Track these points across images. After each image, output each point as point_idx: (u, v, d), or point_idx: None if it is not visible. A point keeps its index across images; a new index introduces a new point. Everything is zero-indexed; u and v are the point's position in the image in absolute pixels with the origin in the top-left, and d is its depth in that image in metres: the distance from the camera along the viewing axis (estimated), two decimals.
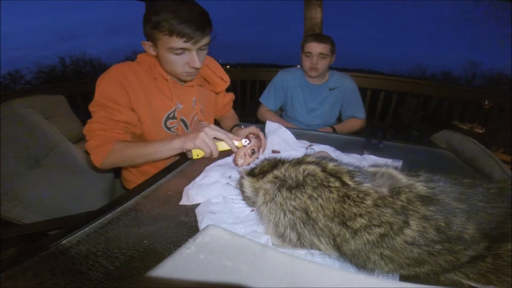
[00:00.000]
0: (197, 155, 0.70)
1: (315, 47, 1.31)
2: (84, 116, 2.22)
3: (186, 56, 0.77)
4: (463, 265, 0.37)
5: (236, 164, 0.70)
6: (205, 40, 0.77)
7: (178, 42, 0.72)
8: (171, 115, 0.89)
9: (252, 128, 0.79)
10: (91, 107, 0.79)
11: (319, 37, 1.34)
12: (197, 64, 0.78)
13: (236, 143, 0.71)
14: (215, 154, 0.70)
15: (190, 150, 0.69)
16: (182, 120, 0.92)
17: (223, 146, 0.71)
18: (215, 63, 1.01)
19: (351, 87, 1.44)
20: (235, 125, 1.01)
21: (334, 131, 1.37)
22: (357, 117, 1.45)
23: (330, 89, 1.43)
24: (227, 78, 1.03)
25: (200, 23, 0.72)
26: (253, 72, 2.89)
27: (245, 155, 0.70)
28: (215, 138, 0.70)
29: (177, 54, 0.76)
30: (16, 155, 0.82)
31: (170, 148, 0.72)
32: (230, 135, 0.71)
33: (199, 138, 0.67)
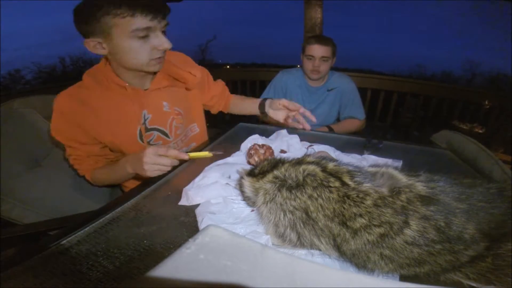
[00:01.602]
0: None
1: (318, 50, 1.30)
2: None
3: (151, 39, 0.67)
4: (463, 265, 0.37)
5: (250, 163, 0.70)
6: (165, 21, 0.69)
7: (143, 21, 0.63)
8: (143, 128, 0.80)
9: (284, 101, 0.84)
10: (58, 140, 0.78)
11: (322, 40, 1.32)
12: (167, 44, 0.69)
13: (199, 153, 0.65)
14: (175, 163, 0.64)
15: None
16: (158, 129, 0.83)
17: (197, 154, 0.65)
18: (180, 58, 0.91)
19: (349, 88, 1.43)
20: (264, 99, 1.00)
21: (331, 130, 1.36)
22: (355, 118, 1.44)
23: (328, 90, 1.43)
24: (195, 71, 0.88)
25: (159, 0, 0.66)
26: (253, 72, 2.89)
27: (259, 156, 0.68)
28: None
29: (141, 38, 0.65)
30: (16, 155, 0.82)
31: (129, 174, 0.72)
32: (171, 150, 0.63)
33: (147, 171, 0.63)
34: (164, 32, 0.70)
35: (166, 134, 0.85)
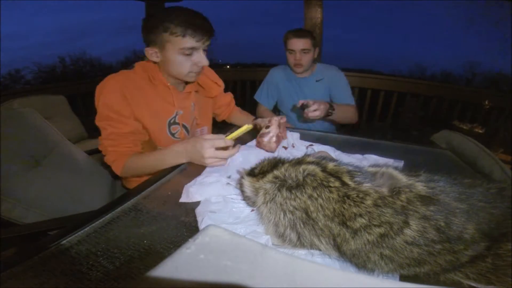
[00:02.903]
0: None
1: (297, 43, 1.33)
2: (84, 116, 2.22)
3: (194, 56, 0.82)
4: (463, 265, 0.37)
5: (261, 147, 0.79)
6: (208, 42, 0.83)
7: (190, 42, 0.78)
8: (172, 121, 0.92)
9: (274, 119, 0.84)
10: (98, 122, 0.82)
11: (299, 33, 1.35)
12: (205, 62, 0.84)
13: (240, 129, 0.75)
14: (233, 154, 0.71)
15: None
16: (183, 126, 0.95)
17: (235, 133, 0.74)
18: (208, 69, 1.03)
19: (337, 77, 1.45)
20: (255, 119, 1.07)
21: (331, 107, 1.24)
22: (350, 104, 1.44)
23: (316, 81, 1.45)
24: (221, 82, 1.08)
25: (207, 25, 0.80)
26: (253, 72, 2.89)
27: (269, 141, 0.78)
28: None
29: (186, 55, 0.80)
30: (16, 155, 0.82)
31: (178, 163, 0.75)
32: (228, 140, 0.72)
33: (206, 163, 0.70)
34: (205, 51, 0.84)
35: (187, 131, 0.98)
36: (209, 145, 0.69)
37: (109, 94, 0.80)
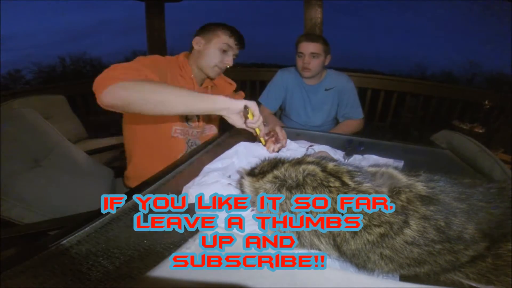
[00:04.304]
0: (252, 116, 0.72)
1: (306, 47, 1.30)
2: (84, 116, 2.22)
3: (225, 55, 0.98)
4: (463, 265, 0.37)
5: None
6: (238, 51, 1.02)
7: (231, 42, 0.97)
8: None
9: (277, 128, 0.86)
10: (115, 65, 0.71)
11: (310, 37, 1.33)
12: (231, 63, 1.00)
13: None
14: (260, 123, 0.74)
15: (246, 110, 0.71)
16: (197, 116, 1.02)
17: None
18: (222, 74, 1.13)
19: (347, 87, 1.42)
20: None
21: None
22: (352, 118, 1.43)
23: (326, 90, 1.42)
24: (233, 83, 1.17)
25: (244, 39, 1.01)
26: (253, 72, 2.89)
27: (272, 143, 0.81)
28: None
29: (222, 51, 0.96)
30: (16, 155, 0.82)
31: (213, 109, 0.70)
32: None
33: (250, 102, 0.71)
34: (235, 56, 1.01)
35: (198, 122, 1.04)
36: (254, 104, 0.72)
37: (144, 58, 0.85)
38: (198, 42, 0.98)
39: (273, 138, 0.82)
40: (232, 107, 0.71)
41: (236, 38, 0.97)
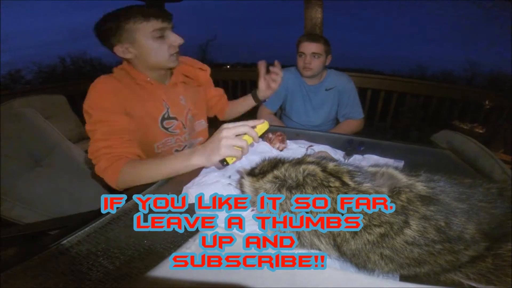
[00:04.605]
0: (232, 160, 0.61)
1: (307, 47, 1.30)
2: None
3: (166, 39, 0.80)
4: (463, 265, 0.37)
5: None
6: (172, 22, 0.82)
7: (156, 23, 0.77)
8: (165, 116, 0.89)
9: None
10: (88, 127, 0.76)
11: (312, 37, 1.33)
12: (180, 39, 0.82)
13: (259, 125, 0.63)
14: (246, 151, 0.62)
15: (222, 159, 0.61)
16: (177, 119, 0.91)
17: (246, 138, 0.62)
18: (190, 59, 1.03)
19: (348, 87, 1.42)
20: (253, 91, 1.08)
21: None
22: (353, 118, 1.44)
23: (326, 90, 1.43)
24: (205, 67, 1.04)
25: (161, 7, 0.84)
26: (253, 72, 2.87)
27: (280, 142, 0.82)
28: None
29: (159, 38, 0.79)
30: (16, 155, 0.82)
31: (190, 166, 0.65)
32: (250, 122, 0.62)
33: (222, 147, 0.59)
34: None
35: (183, 125, 0.94)
36: (230, 128, 0.60)
37: (96, 95, 0.76)
38: (124, 52, 0.79)
39: (280, 137, 0.84)
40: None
41: (153, 15, 0.77)
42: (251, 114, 1.23)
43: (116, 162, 0.71)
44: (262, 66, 0.99)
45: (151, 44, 0.78)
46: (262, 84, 1.01)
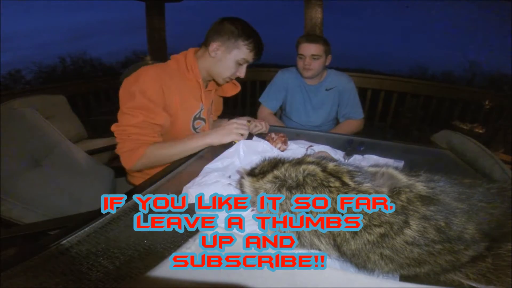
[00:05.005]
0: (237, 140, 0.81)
1: (307, 48, 1.30)
2: (84, 116, 2.22)
3: (240, 67, 0.93)
4: (463, 265, 0.37)
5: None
6: None
7: (250, 57, 0.91)
8: (197, 116, 0.97)
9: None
10: (129, 108, 0.79)
11: (311, 38, 1.33)
12: (243, 75, 0.95)
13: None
14: (247, 132, 0.85)
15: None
16: (204, 120, 1.00)
17: None
18: None
19: (348, 87, 1.43)
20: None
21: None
22: (353, 118, 1.44)
23: (326, 90, 1.43)
24: (238, 84, 1.12)
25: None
26: (254, 72, 2.89)
27: (282, 142, 0.85)
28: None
29: (239, 64, 0.91)
30: (16, 155, 0.82)
31: (204, 145, 0.82)
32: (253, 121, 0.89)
33: (233, 130, 0.83)
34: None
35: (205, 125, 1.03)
36: (240, 121, 0.84)
37: (148, 83, 0.81)
38: (216, 49, 0.89)
39: (283, 139, 0.87)
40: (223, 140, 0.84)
41: (256, 52, 0.91)
42: (251, 114, 1.23)
43: (140, 147, 0.80)
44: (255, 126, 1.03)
45: (232, 63, 0.90)
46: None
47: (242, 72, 0.94)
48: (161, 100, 0.84)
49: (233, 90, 1.10)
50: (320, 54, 1.31)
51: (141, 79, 0.81)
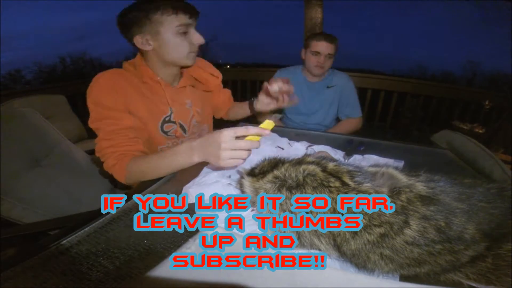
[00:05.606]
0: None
1: (325, 47, 1.32)
2: (84, 116, 2.22)
3: (189, 36, 0.79)
4: (463, 265, 0.37)
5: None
6: (196, 20, 0.80)
7: (183, 19, 0.76)
8: (167, 119, 0.86)
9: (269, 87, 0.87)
10: (92, 124, 0.76)
11: (330, 38, 1.34)
12: (201, 39, 0.81)
13: (264, 124, 0.61)
14: (249, 153, 0.61)
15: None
16: (180, 124, 0.89)
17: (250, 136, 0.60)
18: (203, 61, 1.00)
19: (348, 86, 1.45)
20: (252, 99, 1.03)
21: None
22: (352, 117, 1.46)
23: (327, 87, 1.44)
24: (218, 73, 1.02)
25: (190, 4, 0.78)
26: (253, 72, 2.89)
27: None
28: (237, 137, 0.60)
29: (182, 34, 0.77)
30: (16, 155, 0.82)
31: (190, 163, 0.67)
32: (250, 127, 0.59)
33: (222, 157, 0.58)
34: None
35: (184, 130, 0.91)
36: (229, 133, 0.58)
37: (99, 91, 0.75)
38: (143, 43, 0.77)
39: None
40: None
41: (182, 9, 0.75)
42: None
43: (122, 159, 0.73)
44: (274, 84, 0.89)
45: (173, 38, 0.77)
46: (263, 96, 0.97)
47: (196, 38, 0.79)
48: (121, 103, 0.76)
49: (213, 81, 1.00)
50: (334, 54, 1.34)
51: (92, 92, 0.76)
